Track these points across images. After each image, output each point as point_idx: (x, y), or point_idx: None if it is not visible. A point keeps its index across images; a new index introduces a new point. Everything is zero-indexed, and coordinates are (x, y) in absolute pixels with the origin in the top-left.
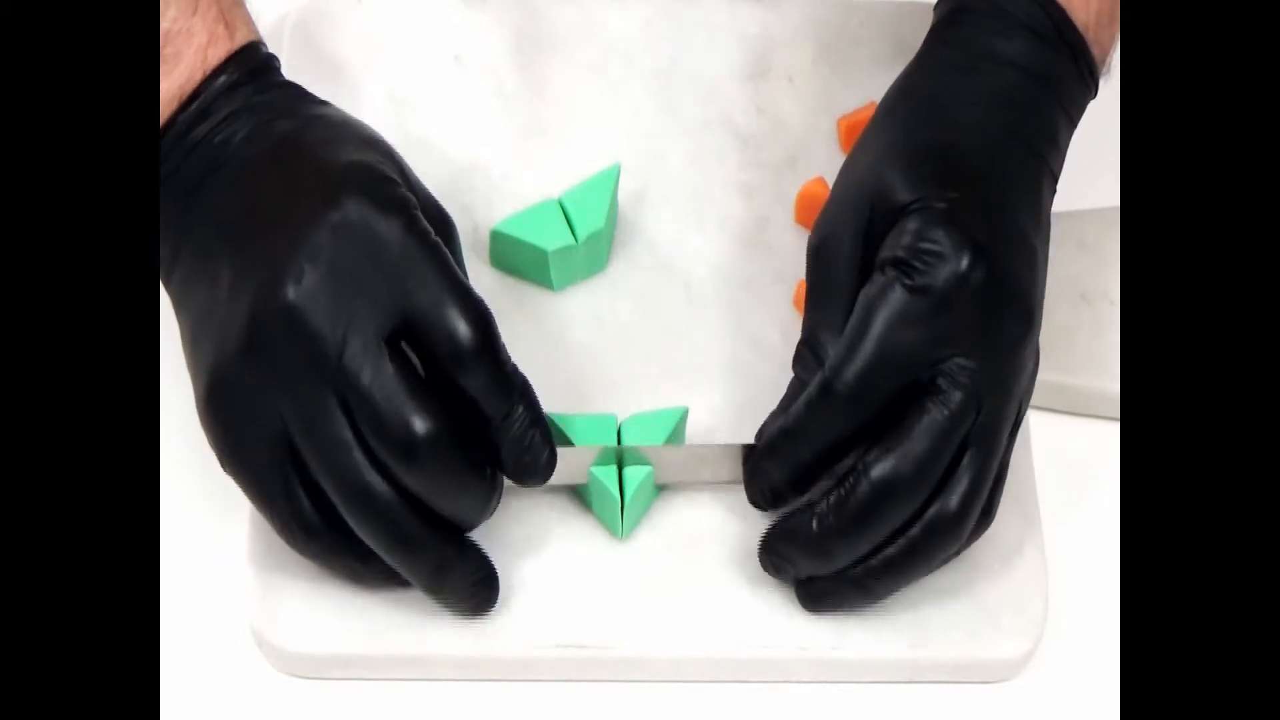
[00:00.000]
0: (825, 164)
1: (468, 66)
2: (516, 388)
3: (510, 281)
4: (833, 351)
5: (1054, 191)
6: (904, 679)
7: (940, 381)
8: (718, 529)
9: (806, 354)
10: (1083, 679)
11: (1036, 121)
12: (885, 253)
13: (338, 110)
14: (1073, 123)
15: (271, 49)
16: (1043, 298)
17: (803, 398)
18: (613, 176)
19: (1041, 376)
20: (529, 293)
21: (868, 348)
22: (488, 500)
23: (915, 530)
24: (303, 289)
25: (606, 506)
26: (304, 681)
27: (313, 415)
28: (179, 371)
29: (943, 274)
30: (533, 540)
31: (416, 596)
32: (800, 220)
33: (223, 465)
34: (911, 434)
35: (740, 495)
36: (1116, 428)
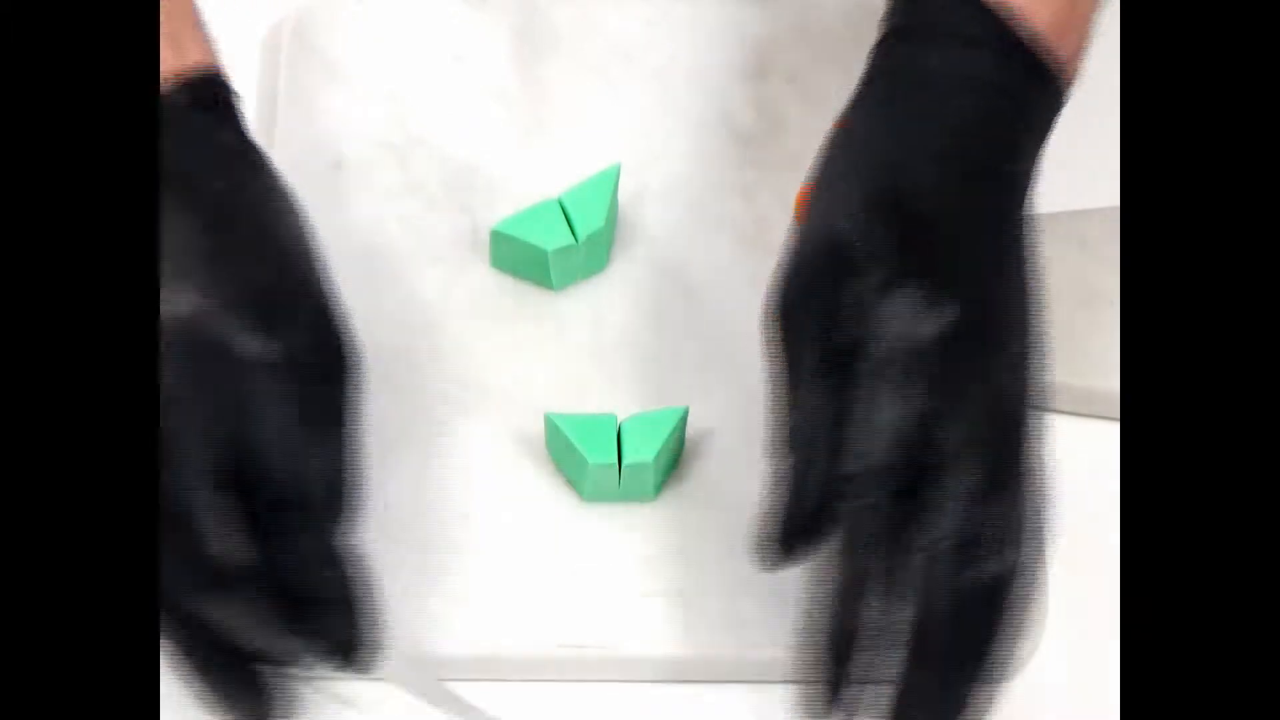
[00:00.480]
0: None
1: (468, 66)
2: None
3: (510, 281)
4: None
5: (1025, 203)
6: None
7: (944, 461)
8: (719, 529)
9: (794, 444)
10: (1083, 679)
11: (991, 139)
12: (853, 332)
13: (267, 180)
14: (1036, 130)
15: (272, 49)
16: (1028, 308)
17: (830, 589)
18: (613, 176)
19: None
20: (529, 293)
21: (869, 473)
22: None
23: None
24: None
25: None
26: (304, 681)
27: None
28: None
29: (907, 340)
30: (533, 541)
31: (416, 596)
32: (800, 220)
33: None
34: (948, 513)
35: (740, 496)
36: (1116, 428)
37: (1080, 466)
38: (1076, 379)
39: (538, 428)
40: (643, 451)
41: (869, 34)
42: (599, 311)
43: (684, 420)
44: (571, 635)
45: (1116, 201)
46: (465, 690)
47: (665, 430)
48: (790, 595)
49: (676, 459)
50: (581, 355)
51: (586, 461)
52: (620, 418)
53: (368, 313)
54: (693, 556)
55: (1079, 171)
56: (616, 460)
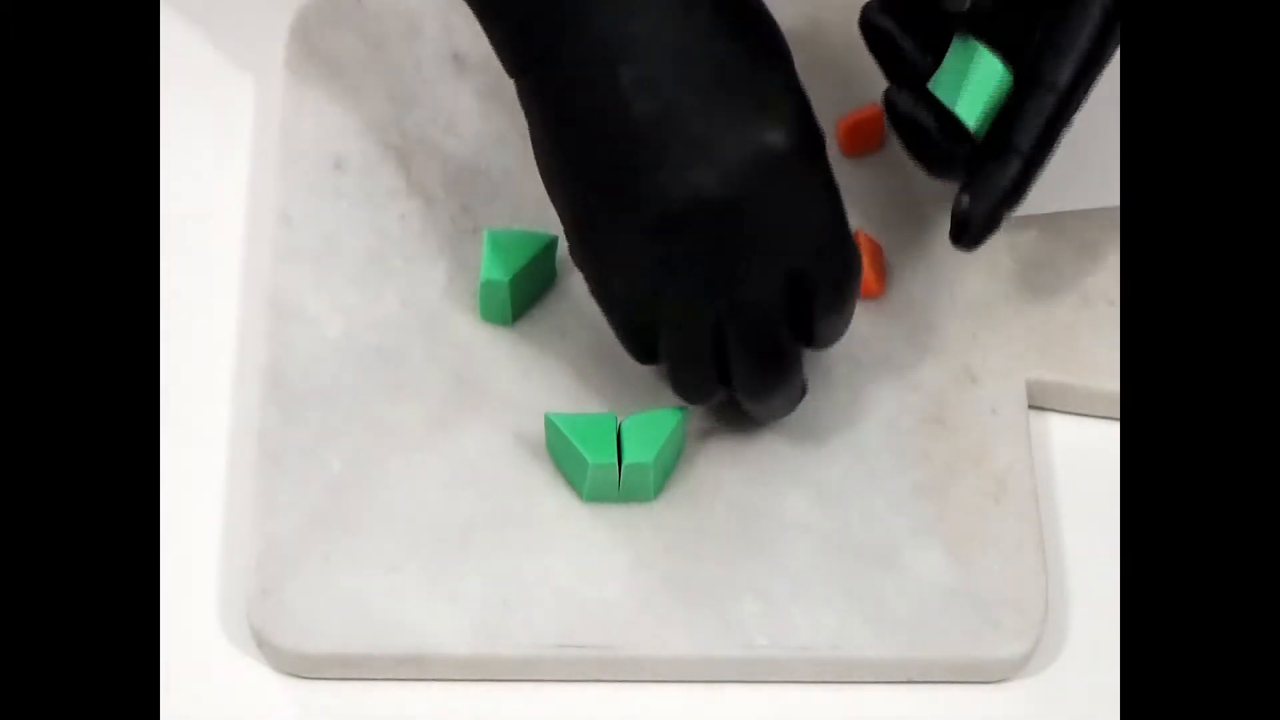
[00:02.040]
0: None
1: (468, 66)
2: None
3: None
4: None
5: None
6: (904, 679)
7: None
8: (719, 529)
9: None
10: (1083, 679)
11: None
12: None
13: None
14: None
15: (271, 49)
16: None
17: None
18: None
19: (1042, 377)
20: None
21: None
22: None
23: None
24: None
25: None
26: (304, 681)
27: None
28: (179, 367)
29: None
30: (534, 541)
31: (416, 596)
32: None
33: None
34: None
35: (740, 496)
36: (1116, 428)
37: (1080, 466)
38: (1076, 379)
39: (538, 428)
40: (643, 452)
41: None
42: (599, 312)
43: (684, 420)
44: (571, 635)
45: (1116, 201)
46: (466, 691)
47: (665, 430)
48: (790, 594)
49: (676, 459)
50: (581, 355)
51: (586, 462)
52: (620, 418)
53: (368, 313)
54: (693, 556)
55: (1079, 171)
56: (616, 460)
